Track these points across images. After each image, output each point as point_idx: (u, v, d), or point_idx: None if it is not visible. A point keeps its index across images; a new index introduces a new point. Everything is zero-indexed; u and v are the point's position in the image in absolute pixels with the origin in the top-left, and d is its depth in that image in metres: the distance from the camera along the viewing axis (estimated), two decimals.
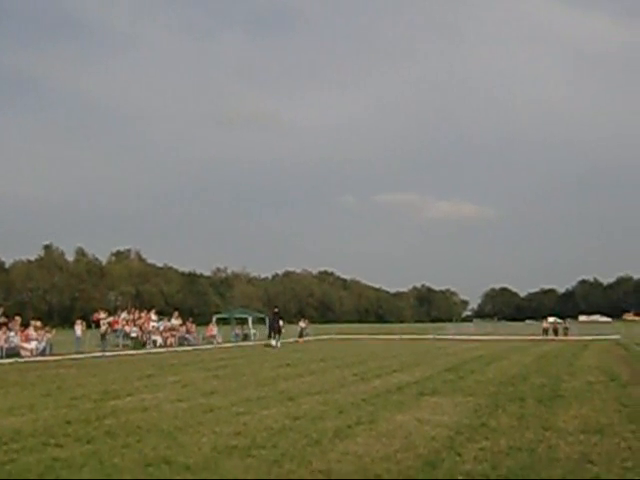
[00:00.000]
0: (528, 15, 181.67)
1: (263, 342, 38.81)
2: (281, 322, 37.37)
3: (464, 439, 8.16)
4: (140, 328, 34.59)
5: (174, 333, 36.40)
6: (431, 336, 48.71)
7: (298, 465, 6.87)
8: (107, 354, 27.86)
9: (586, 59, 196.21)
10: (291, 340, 44.20)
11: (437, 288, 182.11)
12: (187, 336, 37.49)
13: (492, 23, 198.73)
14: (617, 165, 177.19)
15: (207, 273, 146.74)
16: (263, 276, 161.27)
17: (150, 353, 29.57)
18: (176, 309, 45.70)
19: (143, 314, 36.78)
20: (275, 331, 35.95)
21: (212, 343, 38.22)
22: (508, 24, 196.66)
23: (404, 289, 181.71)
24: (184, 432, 8.75)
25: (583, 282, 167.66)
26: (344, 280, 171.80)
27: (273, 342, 34.97)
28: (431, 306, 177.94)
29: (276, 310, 38.14)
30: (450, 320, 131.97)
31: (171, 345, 34.66)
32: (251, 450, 7.59)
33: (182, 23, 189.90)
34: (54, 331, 30.41)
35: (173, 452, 7.52)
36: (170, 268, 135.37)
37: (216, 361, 23.50)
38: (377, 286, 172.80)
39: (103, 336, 30.96)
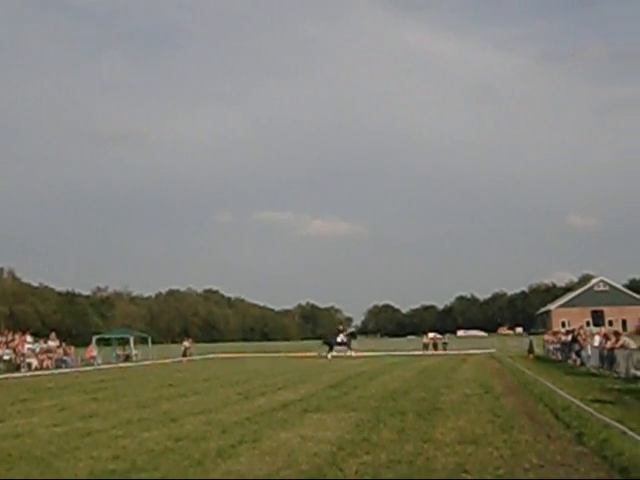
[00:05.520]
0: (413, 44, 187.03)
1: (147, 362, 39.33)
2: (341, 337, 44.14)
3: (346, 454, 8.26)
4: (14, 350, 32.99)
5: (51, 355, 34.99)
6: (316, 353, 49.03)
7: None
8: None
9: (463, 89, 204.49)
10: (175, 360, 43.43)
11: (321, 305, 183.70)
12: (65, 358, 36.12)
13: (373, 50, 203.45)
14: (490, 186, 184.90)
15: (86, 292, 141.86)
16: (146, 295, 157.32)
17: (25, 377, 28.28)
18: (53, 330, 43.75)
19: (17, 336, 35.12)
20: (333, 345, 43.18)
21: (92, 365, 37.03)
22: (389, 52, 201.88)
23: (289, 307, 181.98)
24: (59, 458, 8.41)
25: (461, 298, 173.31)
26: (229, 298, 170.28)
27: (333, 353, 41.86)
28: (316, 323, 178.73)
29: (340, 327, 48.70)
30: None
31: (48, 368, 33.25)
32: (130, 474, 7.40)
33: (62, 35, 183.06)
34: None
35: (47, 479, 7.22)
36: (46, 287, 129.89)
37: (95, 383, 22.74)
38: (262, 304, 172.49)
39: None
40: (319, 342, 50.13)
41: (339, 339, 43.99)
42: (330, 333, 46.08)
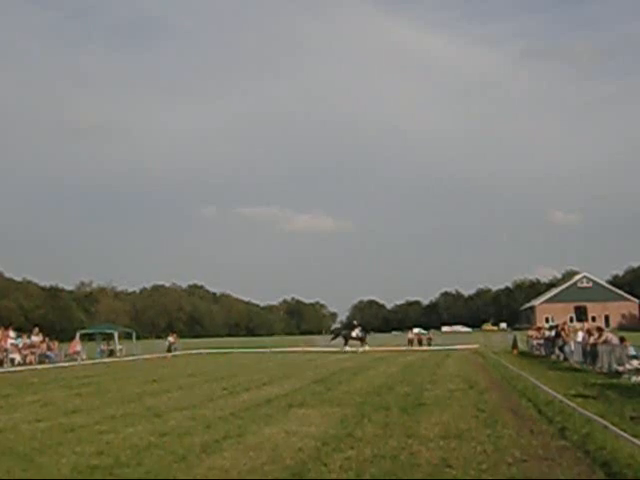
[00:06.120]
0: (402, 41, 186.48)
1: (132, 358, 39.31)
2: (356, 332, 43.88)
3: (330, 449, 8.29)
4: None
5: (34, 350, 34.72)
6: (300, 348, 49.04)
7: None
8: None
9: (444, 86, 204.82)
10: (159, 355, 43.28)
11: (307, 301, 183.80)
12: (48, 353, 35.85)
13: (360, 46, 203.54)
14: (475, 182, 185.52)
15: (70, 287, 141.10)
16: (130, 290, 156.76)
17: (7, 372, 28.07)
18: (36, 325, 43.49)
19: (0, 331, 34.84)
20: (350, 339, 43.33)
21: (76, 360, 36.78)
22: (377, 48, 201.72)
23: (274, 302, 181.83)
24: (42, 453, 8.37)
25: (445, 294, 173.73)
26: (214, 294, 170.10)
27: (347, 348, 41.84)
28: (301, 319, 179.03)
29: (355, 323, 48.02)
30: (320, 332, 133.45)
31: (31, 363, 33.03)
32: (114, 469, 7.37)
33: (45, 28, 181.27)
34: None
35: (30, 475, 7.19)
36: (30, 282, 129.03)
37: (79, 378, 22.63)
38: (247, 299, 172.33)
39: None
40: (304, 337, 49.96)
41: (354, 334, 43.75)
42: (345, 327, 46.22)
